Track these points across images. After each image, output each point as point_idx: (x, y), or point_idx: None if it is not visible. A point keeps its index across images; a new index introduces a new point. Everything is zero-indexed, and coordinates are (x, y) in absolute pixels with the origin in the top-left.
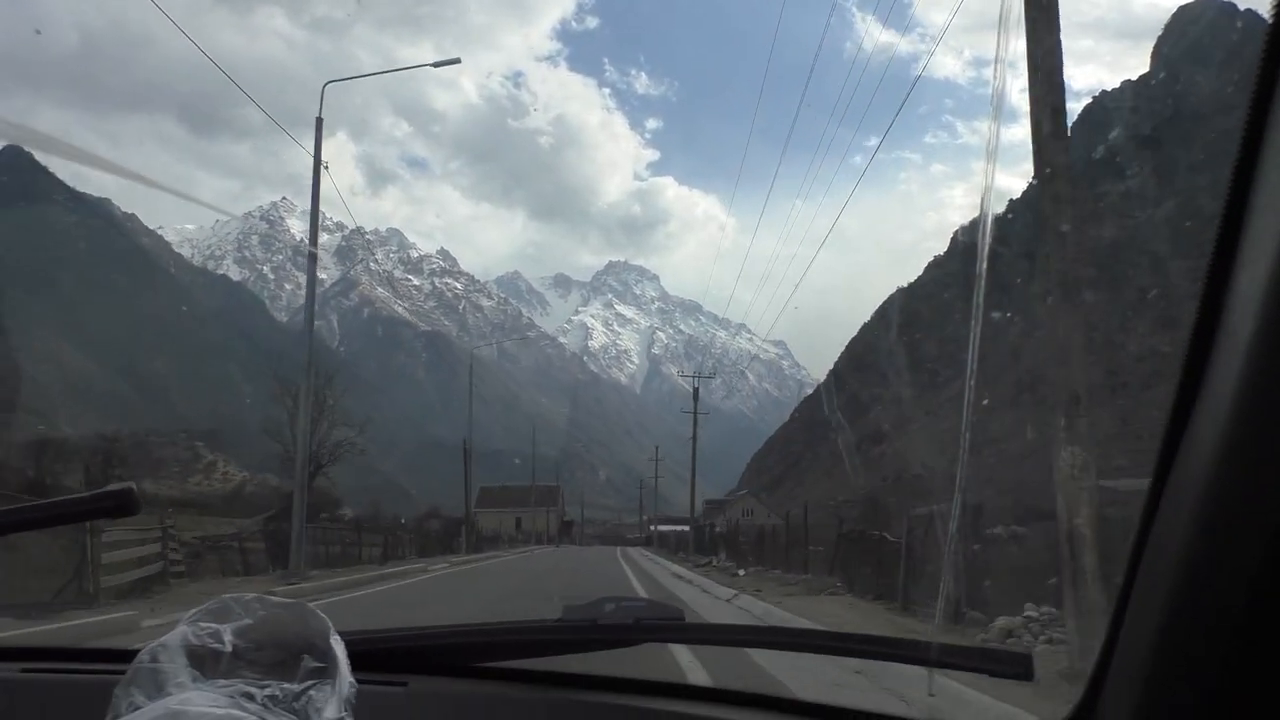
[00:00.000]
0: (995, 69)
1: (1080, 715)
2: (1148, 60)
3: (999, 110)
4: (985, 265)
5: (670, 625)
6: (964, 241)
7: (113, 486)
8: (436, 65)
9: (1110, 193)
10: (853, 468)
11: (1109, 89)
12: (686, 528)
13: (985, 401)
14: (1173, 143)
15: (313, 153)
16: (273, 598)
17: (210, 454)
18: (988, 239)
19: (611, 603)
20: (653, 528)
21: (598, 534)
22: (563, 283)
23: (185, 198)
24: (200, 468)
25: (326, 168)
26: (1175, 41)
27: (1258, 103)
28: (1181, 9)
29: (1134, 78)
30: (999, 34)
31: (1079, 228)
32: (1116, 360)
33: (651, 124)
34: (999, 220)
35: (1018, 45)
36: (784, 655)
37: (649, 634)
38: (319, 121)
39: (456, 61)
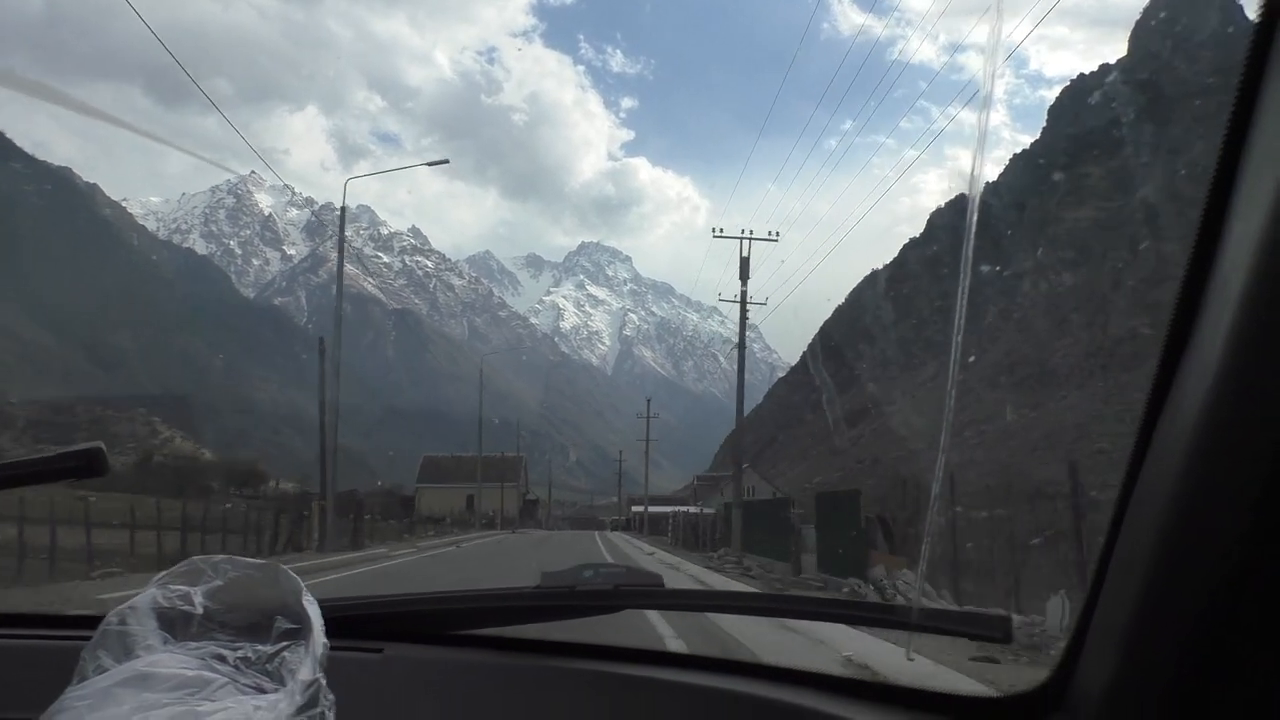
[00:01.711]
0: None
1: (1059, 677)
2: (1122, 47)
3: (994, 53)
4: (974, 218)
5: (650, 591)
6: (941, 224)
7: (80, 445)
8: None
9: (1090, 174)
10: (838, 430)
11: (1086, 72)
12: (680, 509)
13: (972, 358)
14: (1152, 125)
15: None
16: (244, 559)
17: (167, 428)
18: (978, 198)
19: (590, 569)
20: (634, 509)
21: (567, 516)
22: (535, 263)
23: (161, 140)
24: (156, 442)
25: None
26: (1154, 25)
27: (1245, 89)
28: None
29: (1112, 61)
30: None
31: (1059, 212)
32: (1096, 341)
33: (626, 103)
34: (986, 188)
35: (999, 26)
36: (758, 624)
37: (628, 600)
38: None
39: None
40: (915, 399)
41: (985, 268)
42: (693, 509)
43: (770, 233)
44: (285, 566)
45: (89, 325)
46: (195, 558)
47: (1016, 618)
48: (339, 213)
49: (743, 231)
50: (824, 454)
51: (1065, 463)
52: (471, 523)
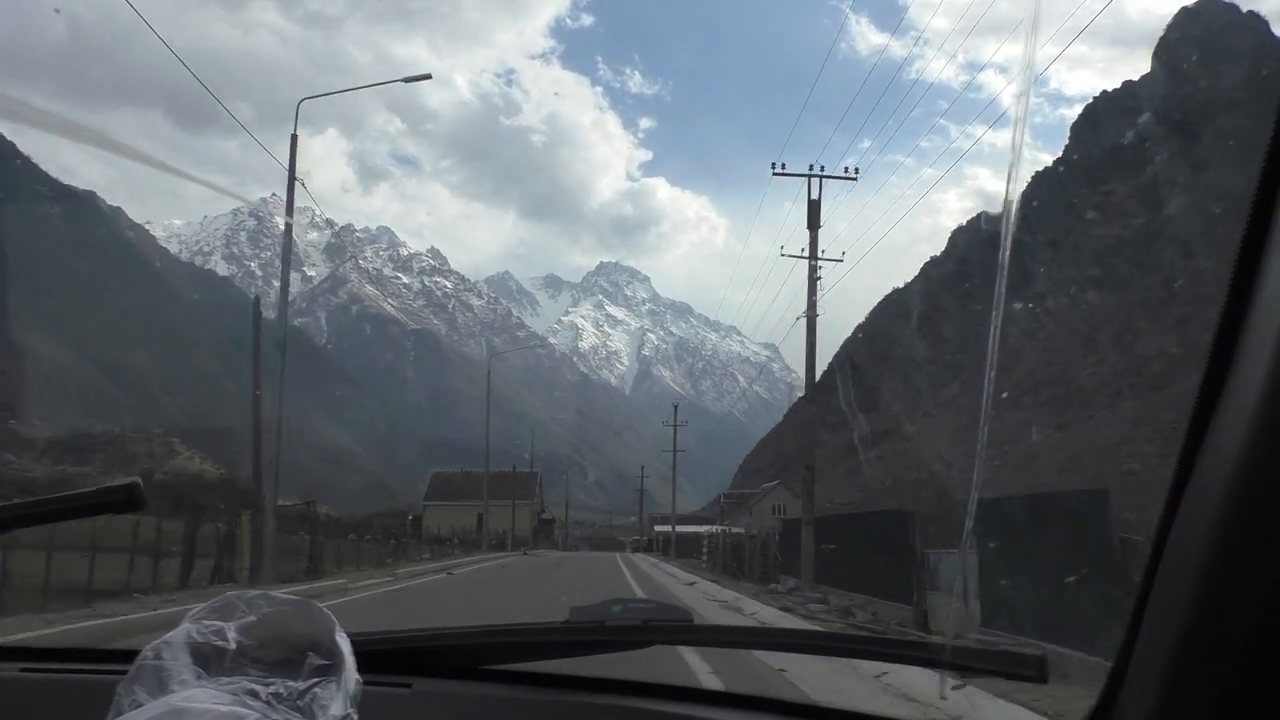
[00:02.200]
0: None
1: (1099, 714)
2: (1143, 65)
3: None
4: (1007, 252)
5: (680, 626)
6: (963, 242)
7: (118, 481)
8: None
9: (1115, 191)
10: (866, 460)
11: (1110, 90)
12: (707, 528)
13: (1005, 395)
14: (1179, 142)
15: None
16: (278, 594)
17: (185, 449)
18: (1012, 223)
19: (619, 604)
20: (658, 528)
21: (586, 536)
22: (553, 283)
23: (178, 174)
24: (174, 464)
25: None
26: (1178, 42)
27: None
28: (1185, 10)
29: (1135, 79)
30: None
31: (1083, 228)
32: (1123, 361)
33: (644, 124)
34: (996, 218)
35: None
36: (796, 660)
37: (658, 635)
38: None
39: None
40: (936, 419)
41: (1008, 288)
42: (714, 529)
43: (848, 169)
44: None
45: (109, 347)
46: (230, 593)
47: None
48: (292, 137)
49: (811, 168)
50: (842, 475)
51: (1093, 484)
52: (480, 543)
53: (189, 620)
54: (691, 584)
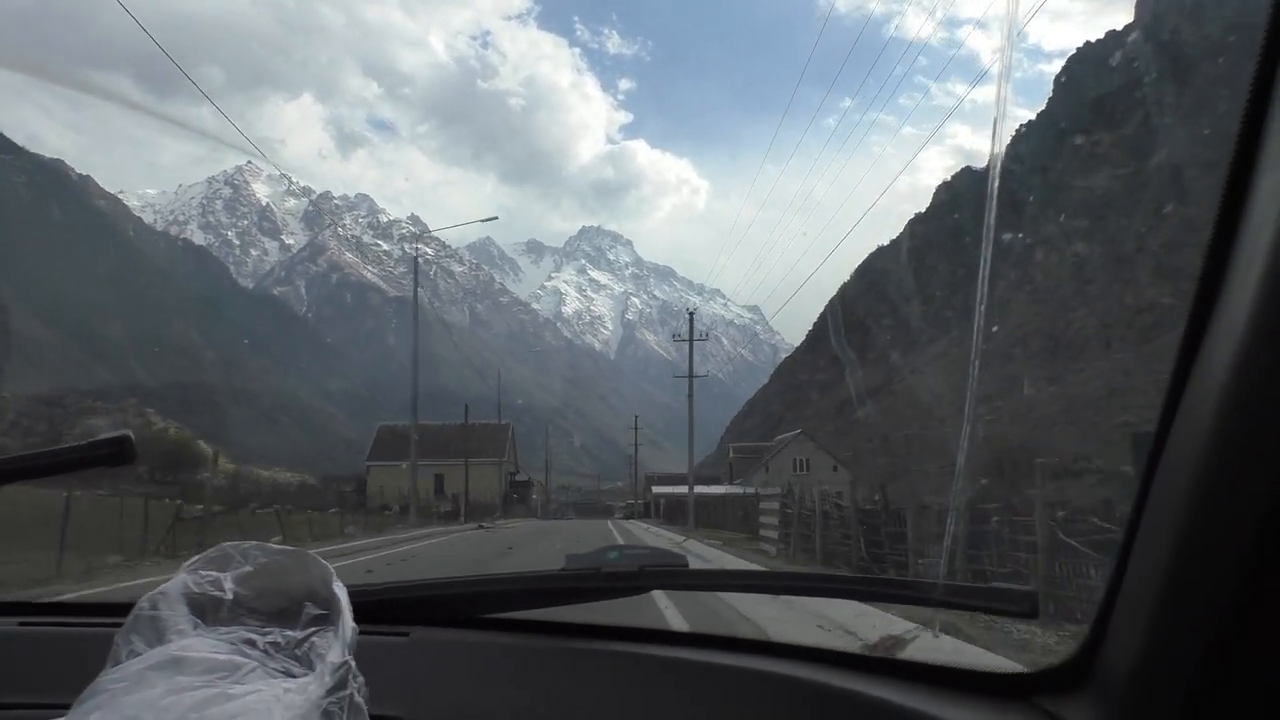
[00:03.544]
0: None
1: (1085, 651)
2: (1123, 18)
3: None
4: (996, 183)
5: (675, 571)
6: (946, 200)
7: (107, 434)
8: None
9: (1102, 141)
10: (860, 401)
11: (1093, 40)
12: (713, 488)
13: (995, 328)
14: (1167, 89)
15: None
16: (273, 545)
17: (161, 419)
18: (1000, 156)
19: (615, 551)
20: (655, 490)
21: (572, 502)
22: (535, 248)
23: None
24: (150, 434)
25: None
26: None
27: (1270, 43)
28: None
29: (1119, 29)
30: None
31: (1070, 180)
32: (1114, 312)
33: (624, 85)
34: (980, 174)
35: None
36: (765, 606)
37: (653, 580)
38: (415, 261)
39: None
40: (924, 376)
41: (1000, 238)
42: (727, 488)
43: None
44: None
45: (82, 317)
46: (225, 543)
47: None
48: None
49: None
50: (831, 434)
51: (1086, 437)
52: (434, 511)
53: (185, 571)
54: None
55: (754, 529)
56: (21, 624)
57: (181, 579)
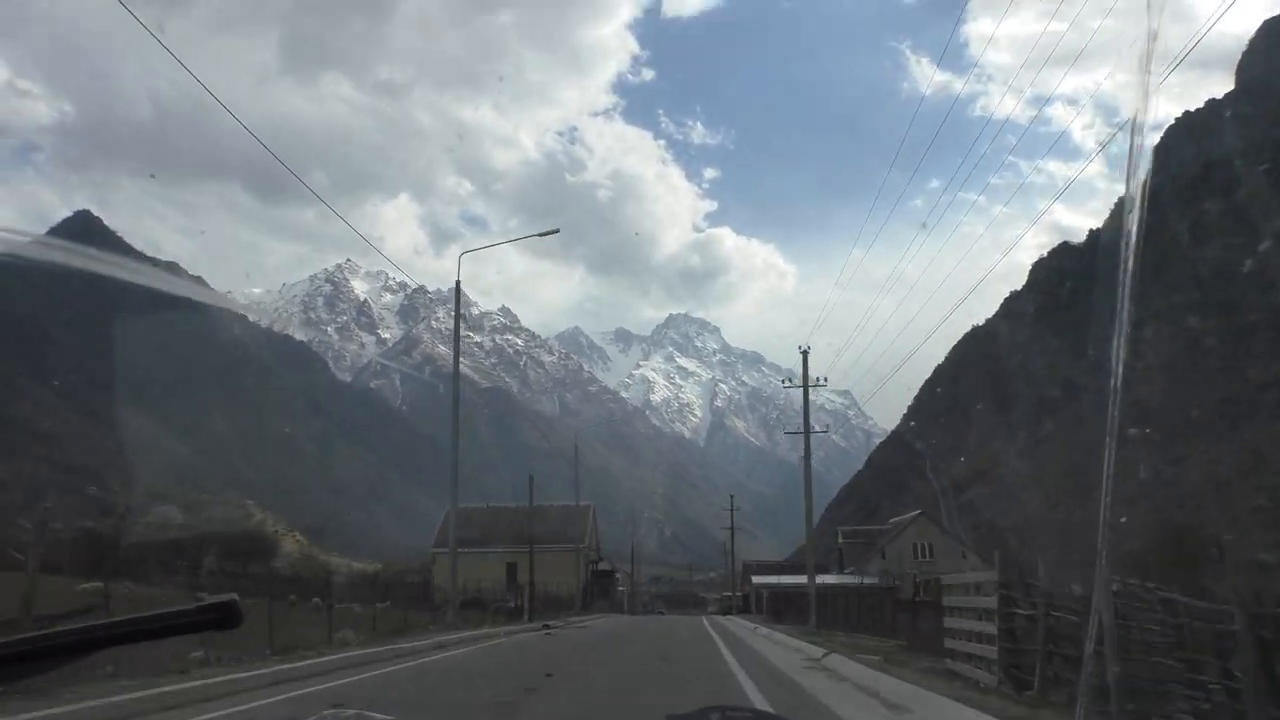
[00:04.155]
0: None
1: None
2: (1219, 87)
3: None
4: (1131, 261)
5: None
6: (1044, 275)
7: (215, 599)
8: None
9: (1209, 212)
10: (949, 515)
11: (1191, 110)
12: (821, 579)
13: (1133, 431)
14: (1270, 157)
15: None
16: (373, 715)
17: (260, 511)
18: (1135, 220)
19: (717, 712)
20: (755, 580)
21: (661, 594)
22: (623, 337)
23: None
24: (249, 526)
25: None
26: (1261, 57)
27: None
28: (1266, 24)
29: (1219, 97)
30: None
31: (1178, 252)
32: (1235, 390)
33: (708, 174)
34: (1077, 248)
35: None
36: None
37: None
38: (457, 285)
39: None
40: (1033, 459)
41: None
42: (844, 577)
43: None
44: None
45: (191, 414)
46: (328, 714)
47: None
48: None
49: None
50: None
51: (1219, 522)
52: (508, 608)
53: None
54: None
55: (920, 637)
56: None
57: None
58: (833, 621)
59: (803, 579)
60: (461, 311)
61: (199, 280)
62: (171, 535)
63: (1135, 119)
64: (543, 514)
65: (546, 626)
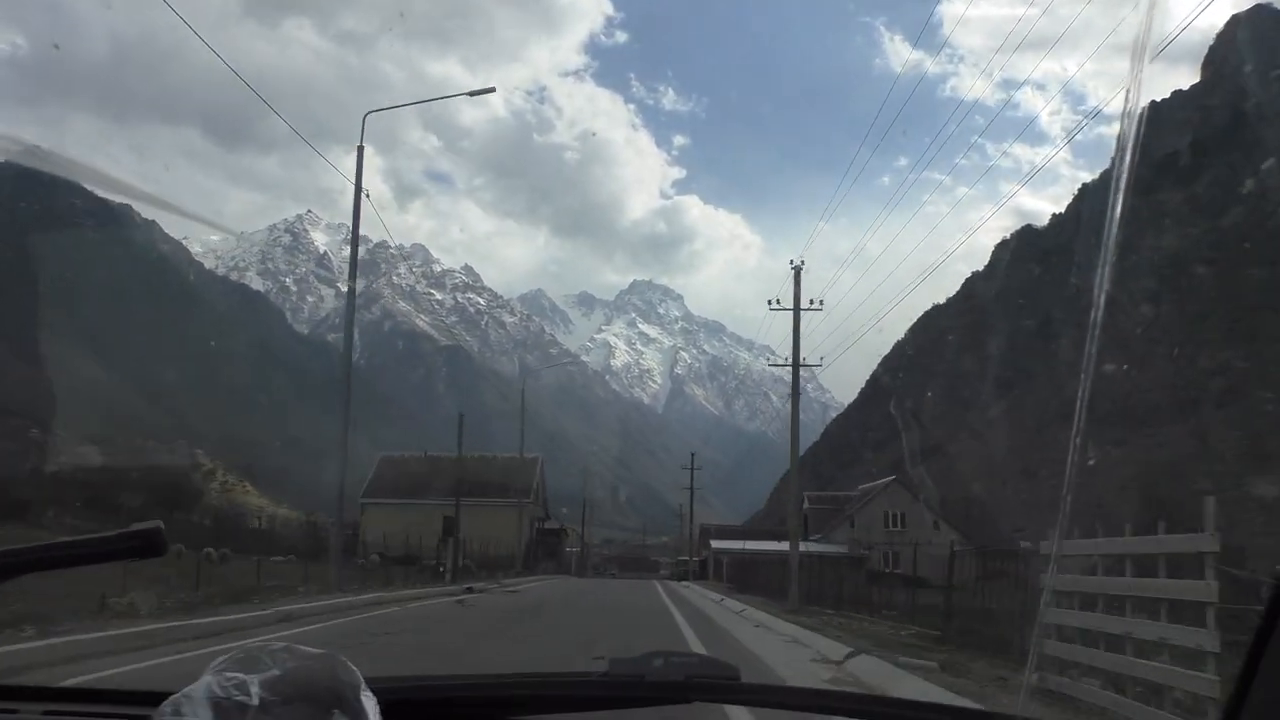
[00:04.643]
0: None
1: None
2: (1186, 79)
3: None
4: (1114, 235)
5: (725, 685)
6: (1005, 258)
7: (139, 526)
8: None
9: (1168, 201)
10: (912, 462)
11: (1158, 100)
12: (774, 545)
13: (1109, 368)
14: (1232, 150)
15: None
16: (303, 647)
17: (209, 460)
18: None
19: (660, 658)
20: (715, 544)
21: (614, 556)
22: (586, 301)
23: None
24: (199, 475)
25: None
26: (1229, 50)
27: None
28: (1234, 18)
29: (1185, 88)
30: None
31: (1136, 239)
32: (1185, 375)
33: (678, 141)
34: (1039, 231)
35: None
36: None
37: (701, 693)
38: (360, 150)
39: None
40: (985, 437)
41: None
42: (826, 546)
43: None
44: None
45: (140, 359)
46: (252, 644)
47: None
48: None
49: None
50: (901, 489)
51: (1161, 505)
52: (444, 563)
53: (211, 672)
54: None
55: (950, 625)
56: (46, 713)
57: (206, 681)
58: (809, 595)
59: (767, 545)
60: (424, 268)
61: (152, 224)
62: (80, 479)
63: (1130, 98)
64: (484, 465)
65: (469, 589)
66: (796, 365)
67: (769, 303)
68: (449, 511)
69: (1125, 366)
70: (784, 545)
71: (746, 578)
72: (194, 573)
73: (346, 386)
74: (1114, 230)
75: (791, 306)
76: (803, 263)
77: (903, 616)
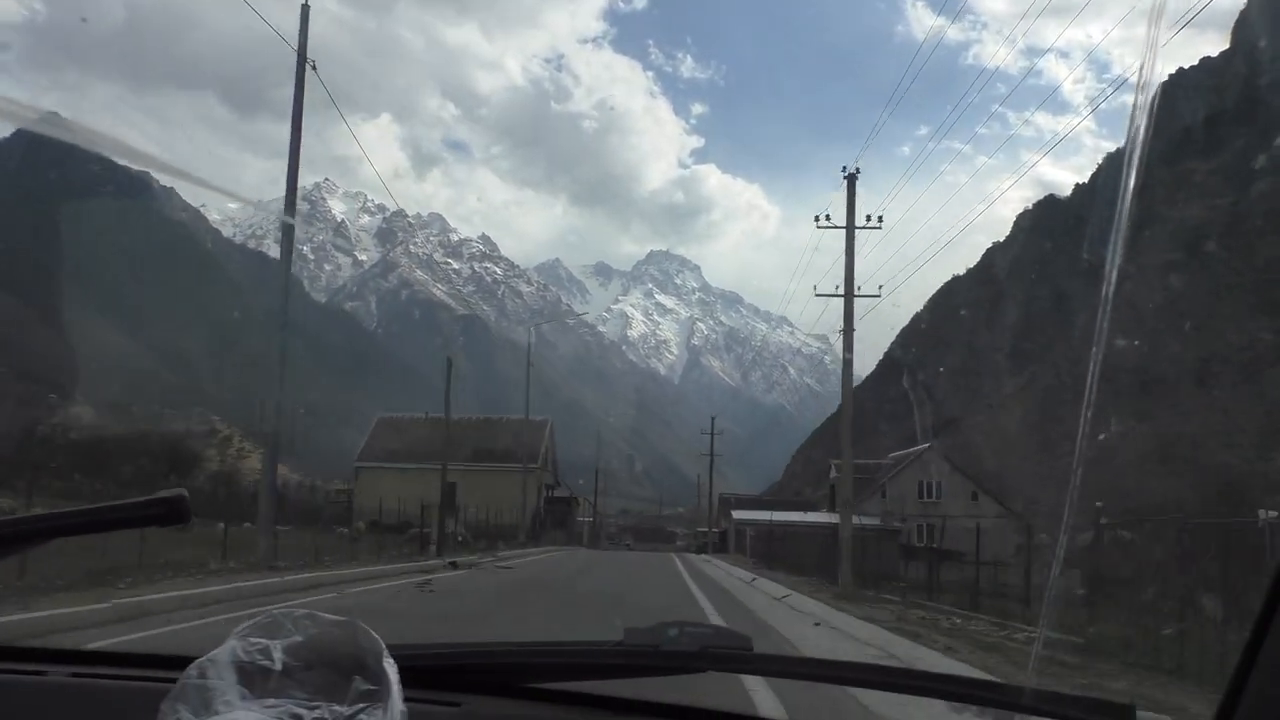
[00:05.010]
0: None
1: None
2: (1213, 47)
3: None
4: (1129, 198)
5: (738, 655)
6: (1027, 226)
7: (163, 493)
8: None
9: (1195, 171)
10: (923, 434)
11: (1185, 67)
12: (802, 515)
13: (1120, 343)
14: (1261, 120)
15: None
16: (325, 615)
17: (226, 427)
18: (1135, 162)
19: (675, 627)
20: (736, 515)
21: (629, 526)
22: (603, 271)
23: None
24: (215, 441)
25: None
26: (1257, 18)
27: None
28: None
29: (1214, 54)
30: None
31: (1162, 211)
32: (1210, 347)
33: (696, 110)
34: (1061, 203)
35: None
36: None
37: (715, 663)
38: (304, 8)
39: None
40: (1001, 411)
41: (1085, 269)
42: (820, 516)
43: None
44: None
45: (158, 326)
46: (277, 610)
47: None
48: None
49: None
50: (938, 457)
51: (1183, 478)
52: (433, 538)
53: (235, 637)
54: None
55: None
56: (73, 674)
57: (230, 646)
58: (867, 576)
59: (793, 516)
60: (441, 237)
61: (170, 191)
62: (73, 438)
63: (1144, 67)
64: (487, 428)
65: (453, 565)
66: (850, 293)
67: (816, 218)
68: (453, 478)
69: (1136, 342)
70: (812, 516)
71: (773, 551)
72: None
73: (284, 295)
74: (1127, 203)
75: (845, 223)
76: (858, 170)
77: (972, 604)
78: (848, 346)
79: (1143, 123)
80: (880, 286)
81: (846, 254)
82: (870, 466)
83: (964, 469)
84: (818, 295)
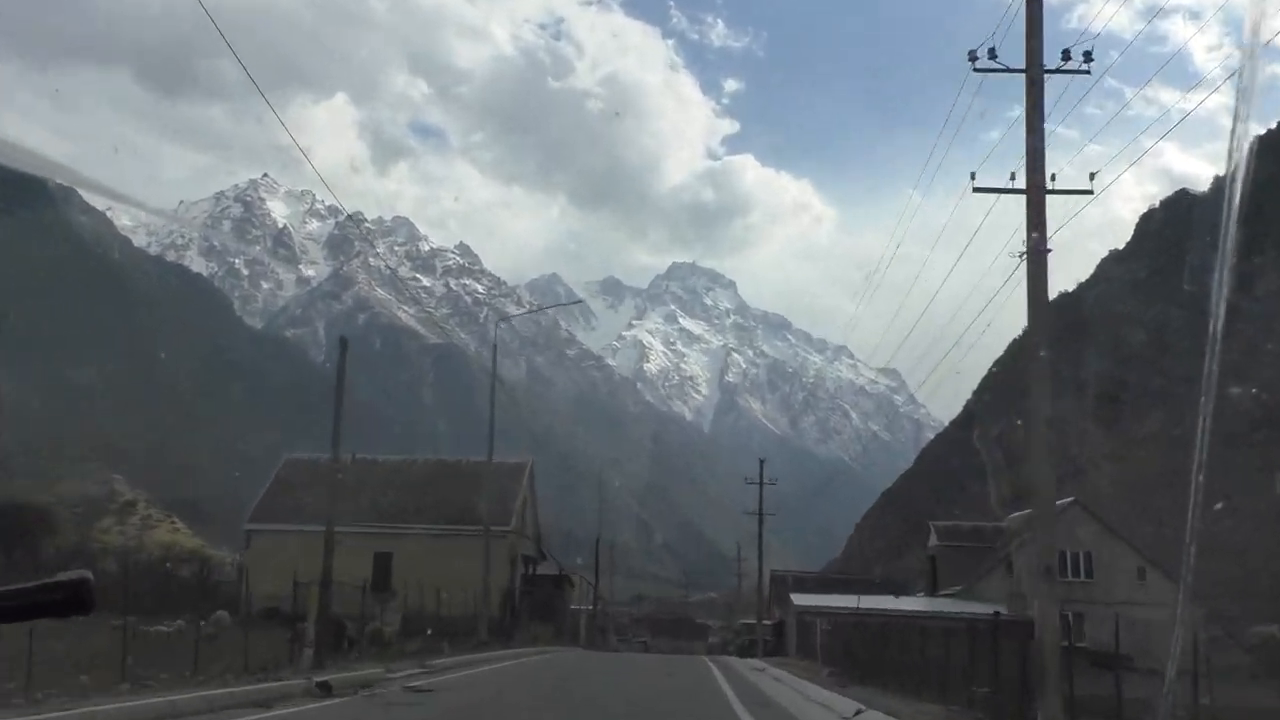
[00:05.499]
0: None
1: None
2: None
3: None
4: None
5: None
6: (1152, 231)
7: (64, 576)
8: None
9: None
10: (998, 499)
11: None
12: (884, 599)
13: (1235, 390)
14: None
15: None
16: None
17: (130, 491)
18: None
19: None
20: (796, 601)
21: (645, 616)
22: (612, 288)
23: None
24: (114, 508)
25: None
26: None
27: None
28: None
29: None
30: None
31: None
32: None
33: (730, 86)
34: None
35: None
36: None
37: None
38: (494, 348)
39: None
40: (1123, 463)
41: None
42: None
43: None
44: None
45: (49, 359)
46: None
47: None
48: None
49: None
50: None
51: None
52: (305, 636)
53: None
54: None
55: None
56: None
57: None
58: (1009, 695)
59: (884, 602)
60: (409, 246)
61: (69, 190)
62: None
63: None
64: (442, 474)
65: (323, 687)
66: (1042, 245)
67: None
68: (385, 546)
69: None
70: (908, 602)
71: (862, 655)
72: None
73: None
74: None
75: (1024, 58)
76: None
77: None
78: (1040, 245)
79: (1245, 139)
80: (1092, 176)
81: (1028, 96)
82: (984, 531)
83: (1125, 535)
84: (976, 190)
